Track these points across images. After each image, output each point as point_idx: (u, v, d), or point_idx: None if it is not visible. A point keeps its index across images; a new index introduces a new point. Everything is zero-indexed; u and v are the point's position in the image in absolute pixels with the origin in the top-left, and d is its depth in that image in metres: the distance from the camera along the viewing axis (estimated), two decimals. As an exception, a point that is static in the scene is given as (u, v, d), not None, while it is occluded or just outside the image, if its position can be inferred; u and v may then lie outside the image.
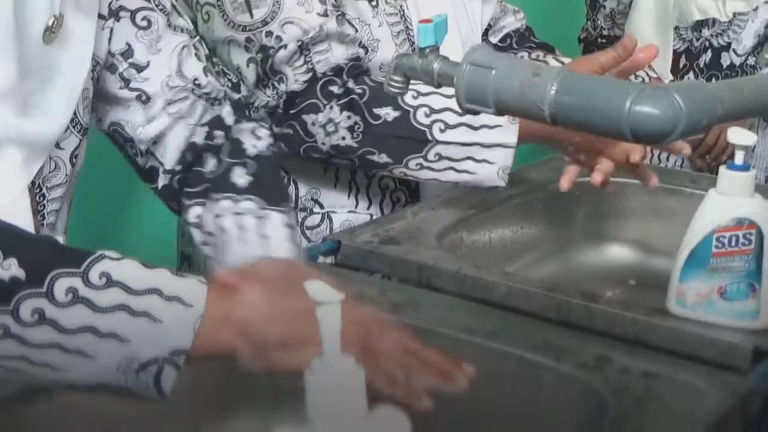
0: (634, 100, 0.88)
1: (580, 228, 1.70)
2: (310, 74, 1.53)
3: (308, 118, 1.53)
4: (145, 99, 1.27)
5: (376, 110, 1.53)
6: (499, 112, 0.98)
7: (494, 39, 1.82)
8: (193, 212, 1.29)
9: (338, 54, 1.54)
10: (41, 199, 1.19)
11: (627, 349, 1.15)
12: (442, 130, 1.53)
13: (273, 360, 0.93)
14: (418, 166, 1.55)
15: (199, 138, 1.30)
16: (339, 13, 1.55)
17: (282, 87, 1.53)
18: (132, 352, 0.87)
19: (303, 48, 1.52)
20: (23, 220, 1.14)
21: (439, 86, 1.05)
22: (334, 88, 1.54)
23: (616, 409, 1.03)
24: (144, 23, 1.25)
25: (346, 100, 1.53)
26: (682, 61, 2.32)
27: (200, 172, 1.29)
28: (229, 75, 1.41)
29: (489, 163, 1.54)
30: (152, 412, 1.08)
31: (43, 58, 1.14)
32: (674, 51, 2.33)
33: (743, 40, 2.28)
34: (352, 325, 0.94)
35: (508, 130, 1.53)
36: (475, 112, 1.00)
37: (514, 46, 1.83)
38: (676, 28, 2.32)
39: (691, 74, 2.32)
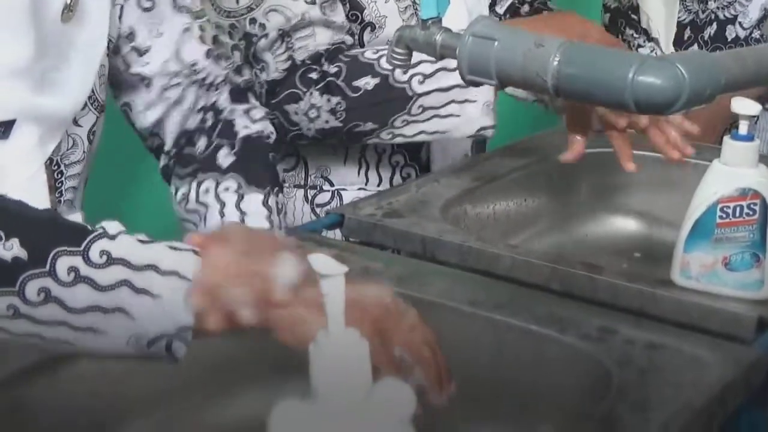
0: (637, 70, 0.88)
1: (584, 200, 1.70)
2: (290, 62, 1.53)
3: (290, 108, 1.54)
4: (147, 83, 1.27)
5: (355, 83, 1.53)
6: (502, 83, 0.97)
7: (501, 9, 1.81)
8: (181, 191, 1.30)
9: (321, 39, 1.54)
10: (59, 176, 1.19)
11: (631, 320, 1.15)
12: (420, 82, 1.53)
13: (239, 319, 0.91)
14: (404, 123, 1.55)
15: (192, 124, 1.30)
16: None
17: (263, 76, 1.53)
18: (139, 329, 0.87)
19: (284, 35, 1.52)
20: (39, 196, 1.14)
21: (441, 58, 1.04)
22: (313, 75, 1.54)
23: (620, 380, 1.03)
24: (148, 4, 1.25)
25: (323, 83, 1.53)
26: (687, 32, 2.31)
27: (191, 153, 1.30)
28: (232, 58, 1.40)
29: (471, 101, 1.54)
30: (155, 389, 1.09)
31: (61, 37, 1.14)
32: (679, 22, 2.32)
33: (750, 13, 2.26)
34: (368, 304, 0.93)
35: None
36: (477, 84, 0.99)
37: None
38: (683, -1, 2.31)
39: (695, 46, 2.30)
